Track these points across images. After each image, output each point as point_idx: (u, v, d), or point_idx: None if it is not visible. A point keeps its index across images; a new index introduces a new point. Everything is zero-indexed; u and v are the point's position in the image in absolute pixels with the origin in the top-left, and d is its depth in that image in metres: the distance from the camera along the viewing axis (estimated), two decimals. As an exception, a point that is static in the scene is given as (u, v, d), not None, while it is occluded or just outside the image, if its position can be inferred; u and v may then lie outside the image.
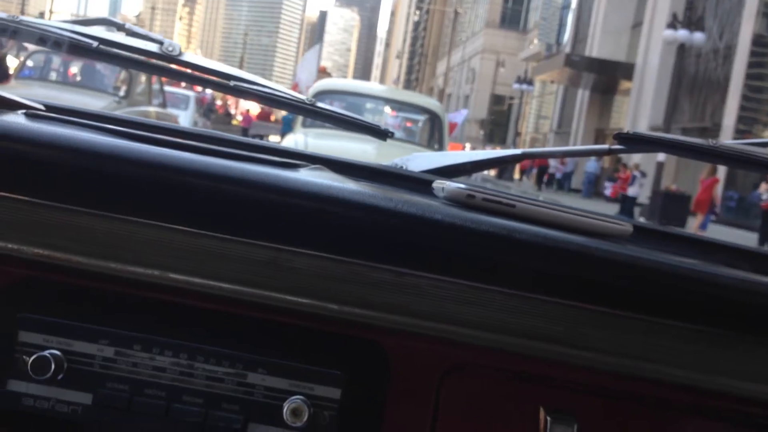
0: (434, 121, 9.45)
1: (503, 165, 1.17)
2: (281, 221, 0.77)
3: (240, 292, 0.78)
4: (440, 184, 0.89)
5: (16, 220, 0.77)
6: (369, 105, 10.79)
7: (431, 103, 10.45)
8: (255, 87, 1.10)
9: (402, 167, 1.22)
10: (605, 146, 1.14)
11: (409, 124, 10.66)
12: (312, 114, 1.10)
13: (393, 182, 1.10)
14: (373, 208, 0.77)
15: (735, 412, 0.82)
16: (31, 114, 0.93)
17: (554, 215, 0.84)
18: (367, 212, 0.77)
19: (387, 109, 10.80)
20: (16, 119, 0.86)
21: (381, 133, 1.05)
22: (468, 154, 1.11)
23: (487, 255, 0.77)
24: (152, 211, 0.78)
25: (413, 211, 0.77)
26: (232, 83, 1.09)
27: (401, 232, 0.77)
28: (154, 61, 1.09)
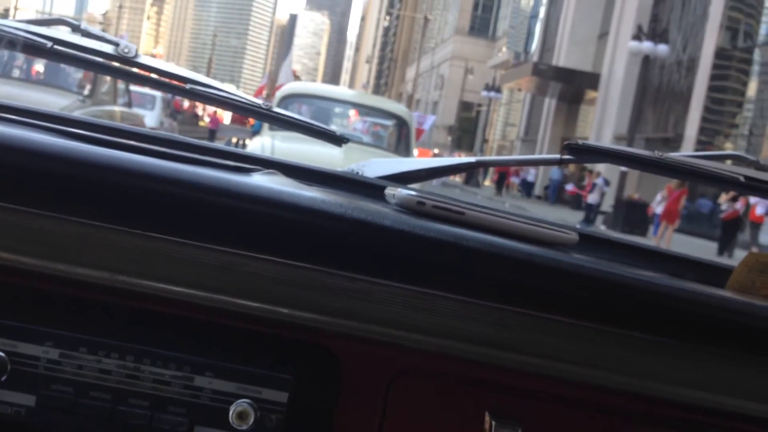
0: (402, 126, 9.48)
1: (458, 172, 1.19)
2: (233, 226, 0.78)
3: (191, 296, 0.78)
4: (392, 191, 0.90)
5: None
6: (337, 109, 10.79)
7: (399, 108, 10.49)
8: (211, 91, 1.10)
9: (357, 173, 1.23)
10: (556, 156, 1.16)
11: (376, 129, 10.68)
12: (269, 119, 1.10)
13: (347, 188, 1.11)
14: (323, 214, 0.77)
15: (681, 420, 0.84)
16: None
17: (502, 223, 0.86)
18: (317, 217, 0.77)
19: (354, 113, 10.81)
20: None
21: (337, 140, 1.06)
22: (425, 161, 1.12)
23: (436, 261, 0.78)
24: (101, 213, 0.77)
25: (363, 216, 0.78)
26: (188, 86, 1.09)
27: (352, 238, 0.78)
28: (109, 62, 1.08)
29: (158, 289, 0.78)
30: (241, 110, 1.12)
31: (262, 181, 0.83)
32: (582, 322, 0.81)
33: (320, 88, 14.18)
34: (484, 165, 1.17)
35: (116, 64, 1.09)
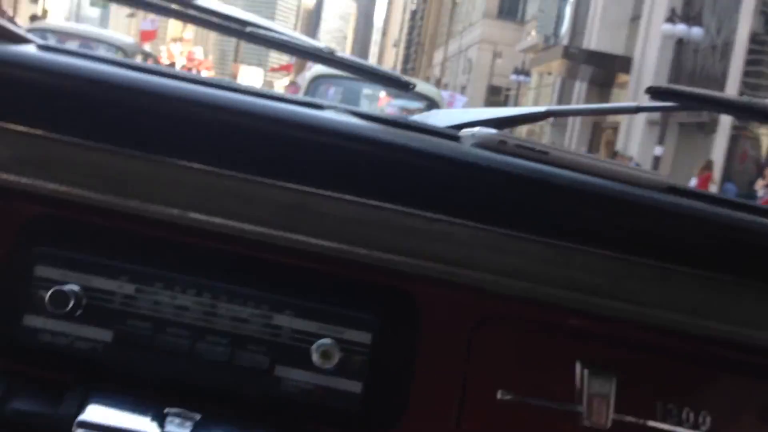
0: (431, 107, 9.39)
1: (527, 123, 1.14)
2: (310, 161, 0.74)
3: (264, 234, 0.74)
4: (469, 131, 0.85)
5: (33, 155, 0.74)
6: (366, 91, 10.73)
7: (430, 90, 10.39)
8: (271, 34, 1.06)
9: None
10: (633, 104, 1.11)
11: (405, 113, 10.60)
12: (331, 63, 1.06)
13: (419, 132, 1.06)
14: (405, 149, 0.74)
15: None
16: (44, 47, 0.90)
17: (588, 163, 0.81)
18: (398, 153, 0.74)
19: (384, 95, 10.73)
20: (30, 50, 0.83)
21: (403, 85, 1.02)
22: (491, 110, 1.07)
23: (523, 200, 0.74)
24: (173, 147, 0.74)
25: (446, 153, 0.74)
26: (248, 29, 1.05)
27: (432, 175, 0.74)
28: (169, 4, 1.05)
29: (230, 227, 0.74)
30: (302, 53, 1.08)
31: (336, 116, 0.79)
32: (679, 267, 0.76)
33: (349, 70, 14.04)
34: (555, 114, 1.12)
35: (175, 6, 1.05)
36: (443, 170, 0.74)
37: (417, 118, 1.22)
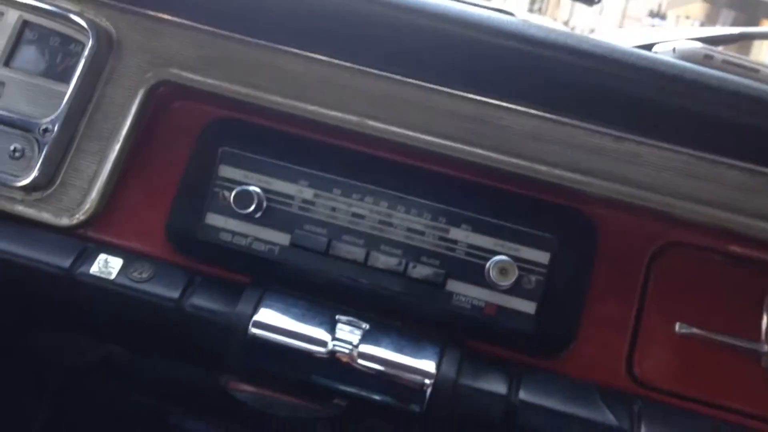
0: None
1: (718, 44, 1.04)
2: (494, 70, 0.71)
3: (445, 147, 0.73)
4: (667, 47, 0.79)
5: (219, 56, 0.75)
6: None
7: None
8: None
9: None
10: None
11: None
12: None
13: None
14: (604, 59, 0.69)
15: None
16: None
17: None
18: (591, 62, 0.69)
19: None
20: None
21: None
22: (675, 32, 0.99)
23: (728, 119, 0.68)
24: (355, 51, 0.73)
25: (646, 63, 0.69)
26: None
27: (629, 86, 0.69)
28: None
29: (408, 137, 0.73)
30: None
31: (525, 23, 0.75)
32: None
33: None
34: (748, 37, 1.03)
35: None
36: (643, 81, 0.68)
37: None
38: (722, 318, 0.73)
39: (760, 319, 0.73)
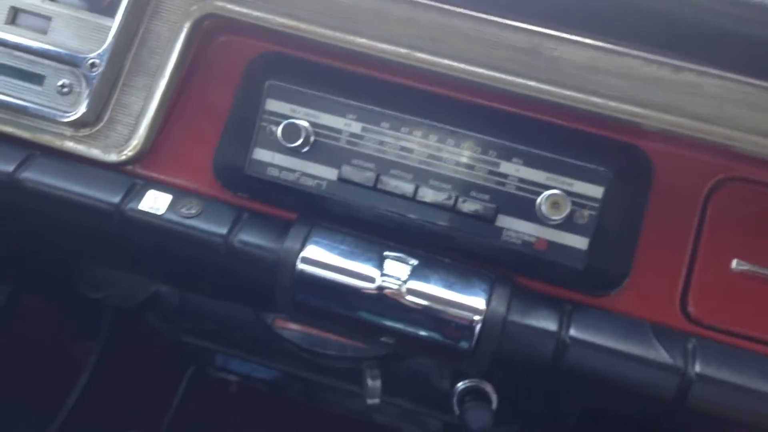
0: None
1: None
2: None
3: (496, 79, 0.71)
4: None
5: None
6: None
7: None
8: None
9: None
10: None
11: None
12: None
13: None
14: None
15: None
16: None
17: None
18: None
19: None
20: None
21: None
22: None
23: None
24: None
25: None
26: None
27: (689, 8, 0.65)
28: None
29: (458, 69, 0.71)
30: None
31: None
32: None
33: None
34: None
35: None
36: (701, 4, 0.65)
37: None
38: None
39: (821, 255, 0.70)
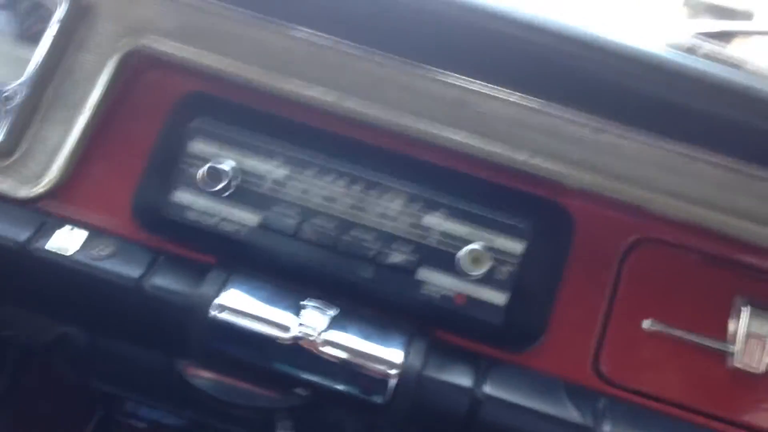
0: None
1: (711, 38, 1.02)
2: (479, 50, 0.69)
3: (422, 131, 0.71)
4: (654, 34, 0.78)
5: (198, 27, 0.73)
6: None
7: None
8: None
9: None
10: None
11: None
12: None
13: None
14: (588, 44, 0.67)
15: None
16: None
17: None
18: (577, 48, 0.67)
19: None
20: None
21: None
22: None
23: (711, 112, 0.67)
24: (336, 27, 0.71)
25: (630, 51, 0.67)
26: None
27: (613, 74, 0.68)
28: None
29: (386, 119, 0.72)
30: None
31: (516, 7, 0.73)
32: None
33: None
34: (742, 33, 1.03)
35: None
36: (623, 70, 0.67)
37: None
38: (691, 317, 0.73)
39: (728, 319, 0.72)
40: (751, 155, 0.68)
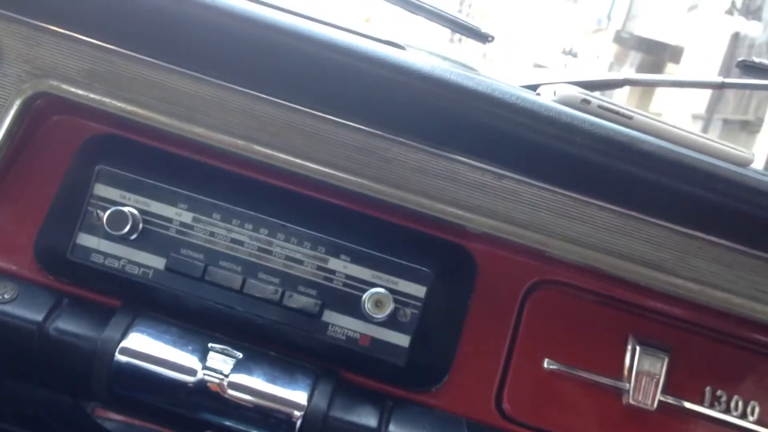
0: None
1: (603, 89, 1.08)
2: (383, 101, 0.71)
3: (329, 175, 0.73)
4: (550, 87, 0.82)
5: (105, 71, 0.73)
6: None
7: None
8: None
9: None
10: (718, 80, 1.05)
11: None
12: (414, 8, 1.02)
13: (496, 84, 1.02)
14: (486, 99, 0.70)
15: None
16: None
17: (675, 133, 0.78)
18: (477, 102, 0.70)
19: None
20: None
21: (482, 37, 0.98)
22: (566, 75, 1.04)
23: (600, 164, 0.71)
24: (244, 75, 0.72)
25: (527, 105, 0.70)
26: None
27: (510, 127, 0.71)
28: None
29: (292, 164, 0.73)
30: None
31: (419, 58, 0.76)
32: (749, 250, 0.73)
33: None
34: (632, 83, 1.08)
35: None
36: (520, 123, 0.69)
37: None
38: (589, 355, 0.76)
39: (624, 357, 0.76)
40: (637, 204, 0.71)
